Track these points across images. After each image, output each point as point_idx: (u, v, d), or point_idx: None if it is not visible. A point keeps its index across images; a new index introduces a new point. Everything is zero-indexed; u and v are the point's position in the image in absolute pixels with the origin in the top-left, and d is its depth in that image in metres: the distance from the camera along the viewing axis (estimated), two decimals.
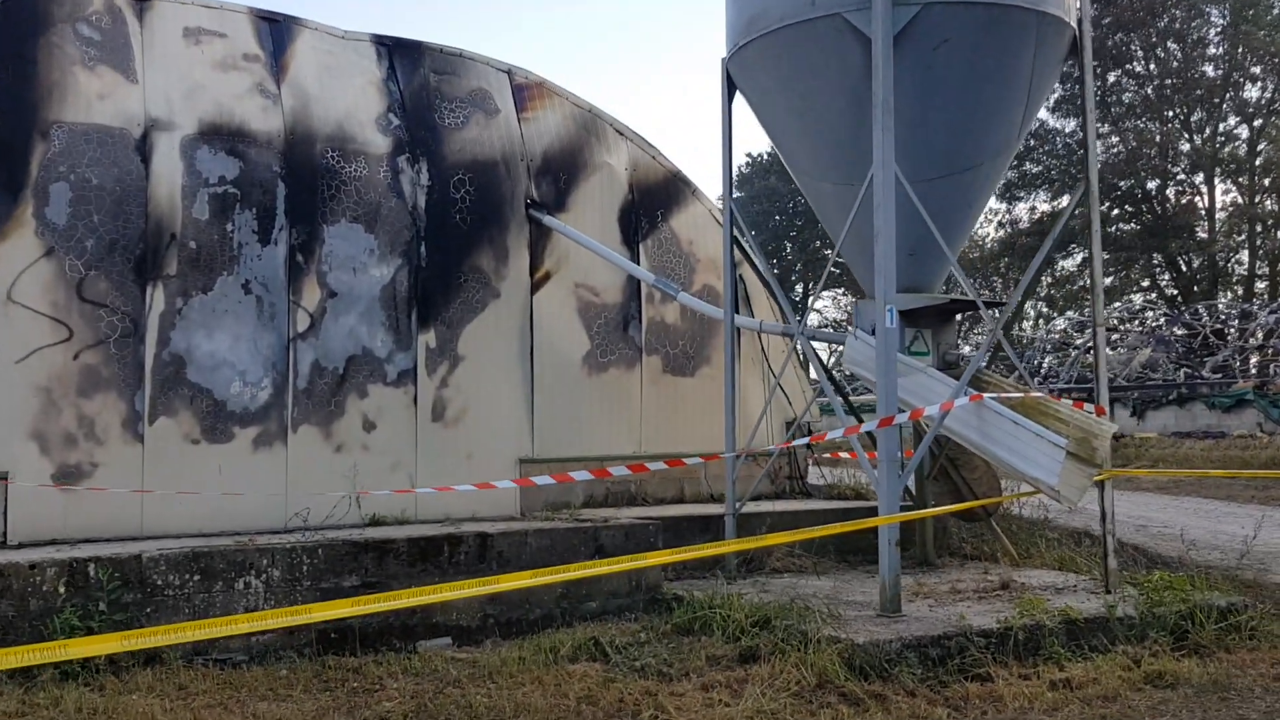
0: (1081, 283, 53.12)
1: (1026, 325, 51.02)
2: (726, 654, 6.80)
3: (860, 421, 8.76)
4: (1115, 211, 51.34)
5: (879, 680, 6.19)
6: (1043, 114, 53.36)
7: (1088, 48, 7.98)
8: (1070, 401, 8.04)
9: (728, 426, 8.75)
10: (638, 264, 10.63)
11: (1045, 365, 36.70)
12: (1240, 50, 46.83)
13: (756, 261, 8.51)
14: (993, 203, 72.72)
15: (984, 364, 8.69)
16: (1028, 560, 9.31)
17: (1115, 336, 33.12)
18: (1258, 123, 48.37)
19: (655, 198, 11.07)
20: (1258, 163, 47.30)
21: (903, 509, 9.09)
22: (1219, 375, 25.41)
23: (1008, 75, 7.61)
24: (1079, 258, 52.78)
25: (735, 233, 9.08)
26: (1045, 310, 50.71)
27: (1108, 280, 51.70)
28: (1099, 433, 7.23)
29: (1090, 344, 33.16)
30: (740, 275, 10.80)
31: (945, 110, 7.58)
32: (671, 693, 6.21)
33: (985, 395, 7.35)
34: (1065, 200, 52.36)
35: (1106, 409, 7.56)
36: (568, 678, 6.47)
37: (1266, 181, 46.78)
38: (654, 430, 10.65)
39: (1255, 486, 18.74)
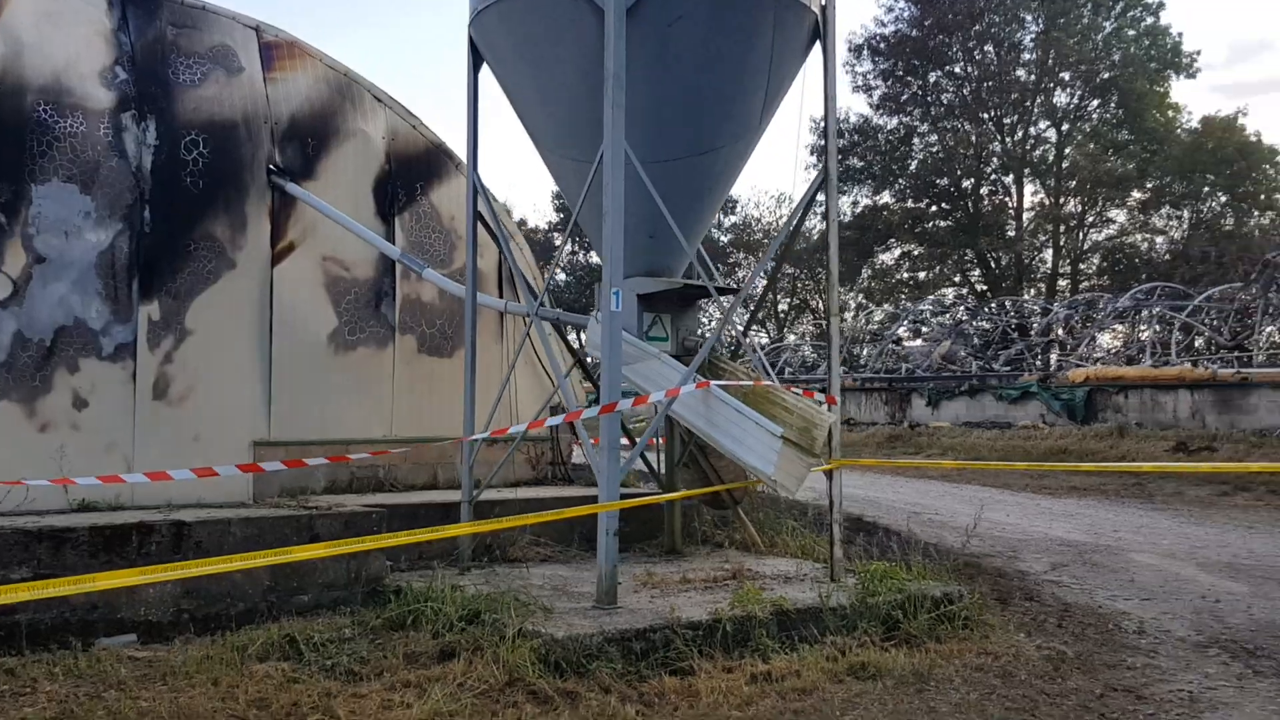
0: (899, 276, 55.13)
1: (848, 316, 52.47)
2: (428, 651, 6.47)
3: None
4: (933, 209, 53.39)
5: (575, 677, 5.97)
6: (865, 110, 55.02)
7: (832, 34, 7.93)
8: (799, 391, 8.01)
9: (466, 409, 8.41)
10: (393, 238, 10.16)
11: (864, 356, 37.82)
12: (1051, 56, 49.20)
13: (499, 237, 8.20)
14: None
15: (762, 358, 8.60)
16: (773, 549, 9.31)
17: (923, 329, 34.24)
18: (1065, 127, 50.98)
19: (415, 169, 10.62)
20: (1064, 165, 49.83)
21: (650, 496, 8.97)
22: (1010, 368, 26.49)
23: (746, 57, 7.48)
24: (897, 252, 54.68)
25: (482, 208, 8.72)
26: (864, 301, 52.16)
27: (921, 275, 53.67)
28: (819, 422, 7.19)
29: (895, 336, 34.35)
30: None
31: (682, 90, 7.41)
32: (353, 694, 5.85)
33: (712, 383, 7.23)
34: (887, 195, 54.14)
35: (837, 398, 7.54)
36: (248, 678, 6.03)
37: (1072, 184, 49.33)
38: (407, 413, 10.22)
39: (1030, 476, 19.58)
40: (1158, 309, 25.96)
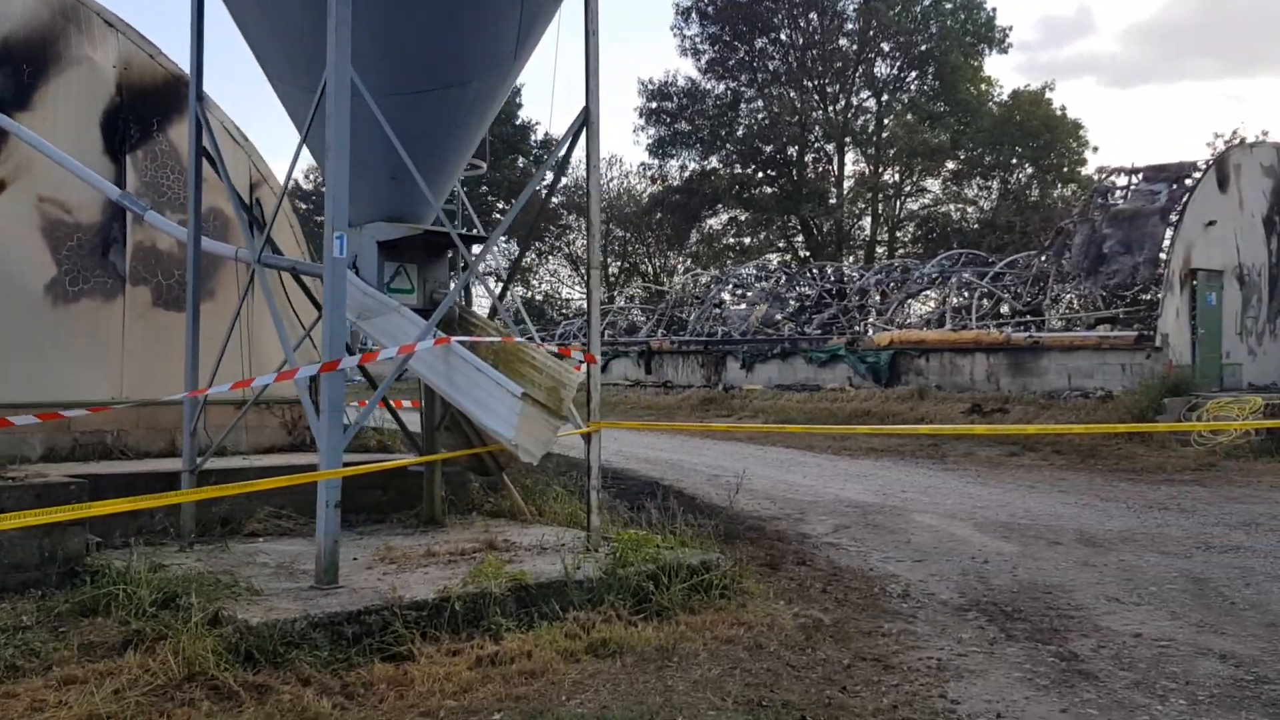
0: (726, 240, 55.52)
1: (676, 279, 52.50)
2: (109, 641, 5.67)
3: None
4: (759, 175, 53.87)
5: (270, 668, 5.27)
6: (694, 74, 54.90)
7: None
8: (556, 347, 7.44)
9: (188, 365, 7.50)
10: (123, 179, 9.10)
11: (692, 318, 37.62)
12: (873, 27, 50.08)
13: (222, 177, 7.30)
14: (644, 158, 74.65)
15: (525, 315, 7.95)
16: (540, 517, 8.76)
17: (745, 294, 34.34)
18: (884, 98, 52.12)
19: (151, 103, 9.54)
20: (883, 135, 50.95)
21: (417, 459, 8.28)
22: (821, 332, 26.73)
23: None
24: (725, 217, 54.97)
25: (208, 143, 7.79)
26: (691, 265, 52.27)
27: (747, 240, 54.16)
28: (568, 383, 6.66)
29: (717, 299, 34.35)
30: (258, 198, 9.53)
31: (424, 11, 6.67)
32: (5, 694, 5.02)
33: (453, 339, 6.58)
34: (715, 160, 54.29)
35: (597, 357, 6.99)
36: None
37: (890, 153, 50.46)
38: (139, 373, 9.22)
39: (831, 438, 19.71)
40: (965, 275, 26.54)
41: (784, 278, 33.62)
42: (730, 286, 36.95)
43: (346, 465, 6.36)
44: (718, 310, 31.99)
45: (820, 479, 14.43)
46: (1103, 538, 10.04)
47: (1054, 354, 20.59)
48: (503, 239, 69.63)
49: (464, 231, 8.08)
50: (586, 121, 7.14)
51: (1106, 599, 7.60)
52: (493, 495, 9.24)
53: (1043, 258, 23.15)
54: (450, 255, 7.62)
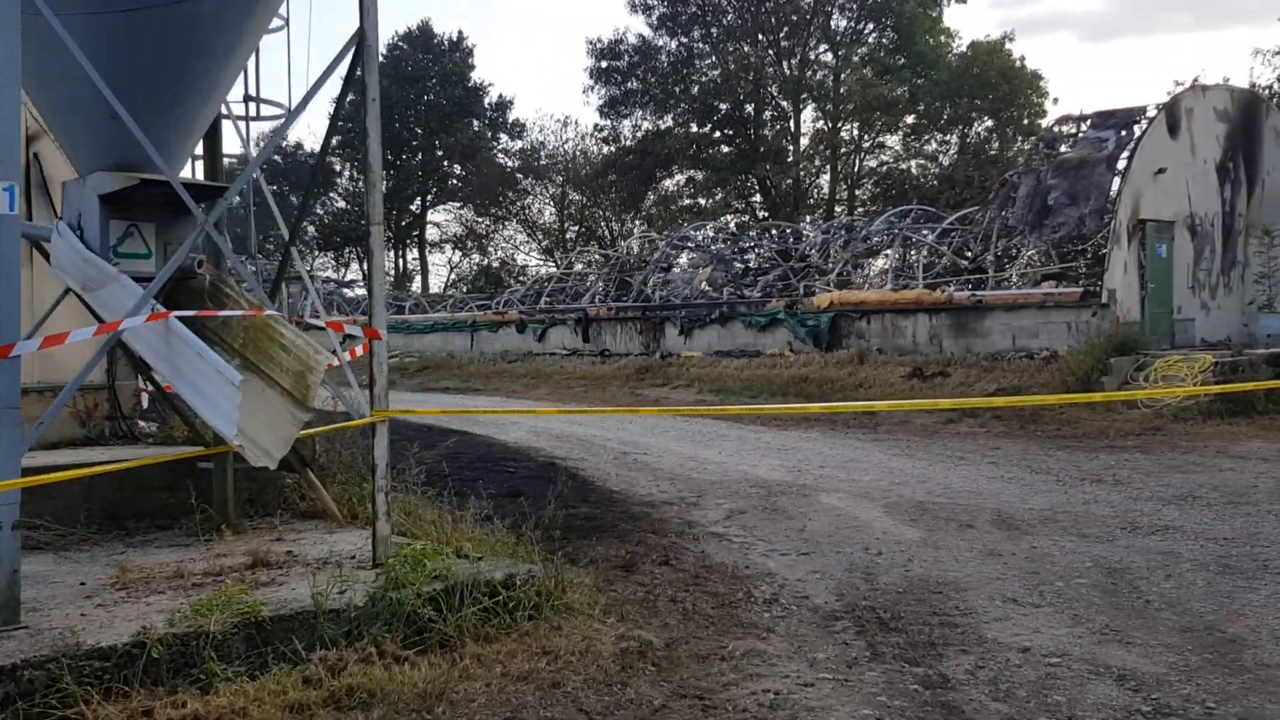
0: (682, 202, 54.29)
1: (626, 242, 51.34)
2: None
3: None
4: (716, 134, 52.55)
5: None
6: (645, 30, 53.45)
7: None
8: (324, 322, 6.29)
9: None
10: None
11: (636, 282, 36.49)
12: None
13: None
14: (596, 119, 73.31)
15: (288, 284, 6.80)
16: (355, 520, 7.61)
17: (689, 256, 33.20)
18: (842, 51, 50.83)
19: None
20: (841, 90, 49.72)
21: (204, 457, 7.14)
22: (762, 295, 25.67)
23: None
24: (680, 178, 53.72)
25: None
26: (646, 229, 50.97)
27: (703, 200, 52.94)
28: (314, 366, 5.51)
29: (666, 262, 33.19)
30: (36, 153, 8.27)
31: None
32: None
33: (172, 314, 5.36)
34: (669, 119, 52.87)
35: (382, 332, 5.84)
36: None
37: (848, 109, 49.25)
38: None
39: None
40: (907, 233, 25.49)
41: (730, 239, 32.45)
42: (677, 249, 35.80)
43: (105, 464, 5.23)
44: (663, 275, 30.86)
45: (736, 455, 13.49)
46: (1021, 518, 9.11)
47: (998, 313, 19.61)
48: (455, 205, 68.15)
49: (193, 180, 6.79)
50: (361, 45, 5.93)
51: (1003, 599, 6.61)
52: (314, 492, 8.09)
53: (987, 212, 22.10)
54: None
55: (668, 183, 54.26)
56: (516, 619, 5.57)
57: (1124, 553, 7.77)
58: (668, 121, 52.35)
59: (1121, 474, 11.44)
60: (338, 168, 74.19)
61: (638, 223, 56.58)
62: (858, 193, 50.91)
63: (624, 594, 6.62)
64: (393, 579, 5.27)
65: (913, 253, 25.89)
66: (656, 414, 13.71)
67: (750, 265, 30.51)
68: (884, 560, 7.70)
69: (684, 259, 34.68)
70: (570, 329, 28.95)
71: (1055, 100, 52.60)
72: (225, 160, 7.76)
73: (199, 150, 7.02)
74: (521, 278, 53.86)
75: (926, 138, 49.51)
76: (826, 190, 51.46)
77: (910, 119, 48.79)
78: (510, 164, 65.52)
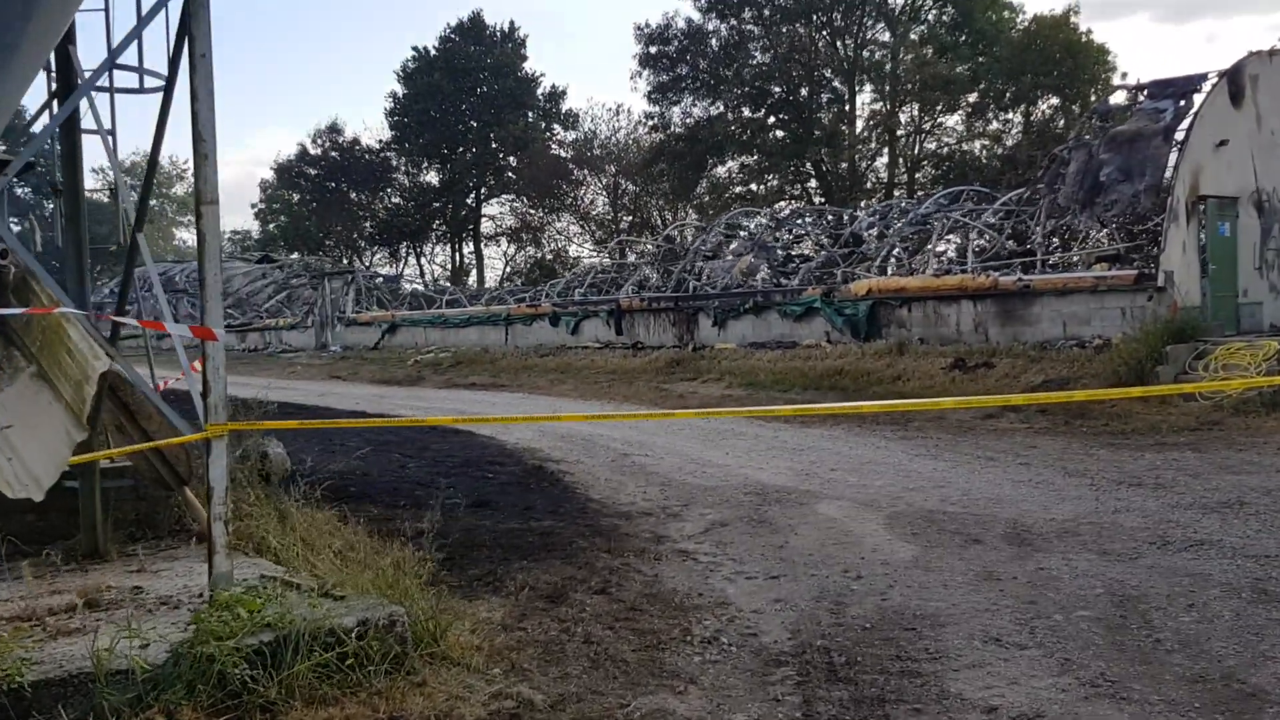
0: (736, 190, 53.11)
1: (688, 233, 50.33)
2: None
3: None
4: (770, 119, 51.26)
5: None
6: (694, 14, 52.25)
7: None
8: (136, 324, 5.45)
9: None
10: None
11: (692, 273, 35.52)
12: None
13: None
14: (644, 105, 72.34)
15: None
16: (244, 543, 6.75)
17: (735, 244, 32.16)
18: (899, 30, 49.20)
19: None
20: (898, 70, 48.17)
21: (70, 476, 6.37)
22: (800, 283, 24.54)
23: None
24: (732, 165, 52.59)
25: None
26: (696, 219, 49.94)
27: (757, 188, 51.74)
28: (90, 375, 4.67)
29: (709, 250, 32.17)
30: None
31: None
32: None
33: None
34: (720, 105, 51.72)
35: (218, 333, 4.97)
36: None
37: (906, 89, 47.67)
38: None
39: (791, 400, 17.72)
40: (958, 216, 24.17)
41: (773, 224, 31.36)
42: (727, 237, 34.74)
43: None
44: (705, 263, 29.90)
45: (744, 456, 12.57)
46: (1037, 531, 8.08)
47: (1047, 299, 18.31)
48: (509, 197, 67.82)
49: None
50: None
51: (985, 639, 5.61)
52: (192, 513, 7.28)
53: (1036, 190, 20.75)
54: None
55: (719, 170, 53.19)
56: (370, 674, 4.68)
57: (1145, 575, 6.70)
58: (718, 107, 51.21)
59: (1165, 476, 10.27)
60: (394, 162, 74.63)
61: (690, 211, 55.60)
62: (917, 176, 49.31)
63: (533, 634, 5.73)
64: (206, 630, 4.41)
65: (963, 236, 24.60)
66: (648, 419, 12.89)
67: (793, 252, 29.38)
68: (861, 586, 6.73)
69: (734, 247, 33.66)
70: (603, 321, 28.14)
71: (1124, 76, 50.38)
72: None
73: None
74: (575, 269, 53.05)
75: (988, 117, 47.70)
76: (884, 174, 49.96)
77: (971, 98, 47.05)
78: (563, 154, 64.94)
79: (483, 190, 71.50)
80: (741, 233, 36.74)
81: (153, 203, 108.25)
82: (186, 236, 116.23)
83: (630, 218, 61.39)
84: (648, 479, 11.12)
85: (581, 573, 7.05)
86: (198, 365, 5.78)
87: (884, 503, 9.41)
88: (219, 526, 4.92)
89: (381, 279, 52.25)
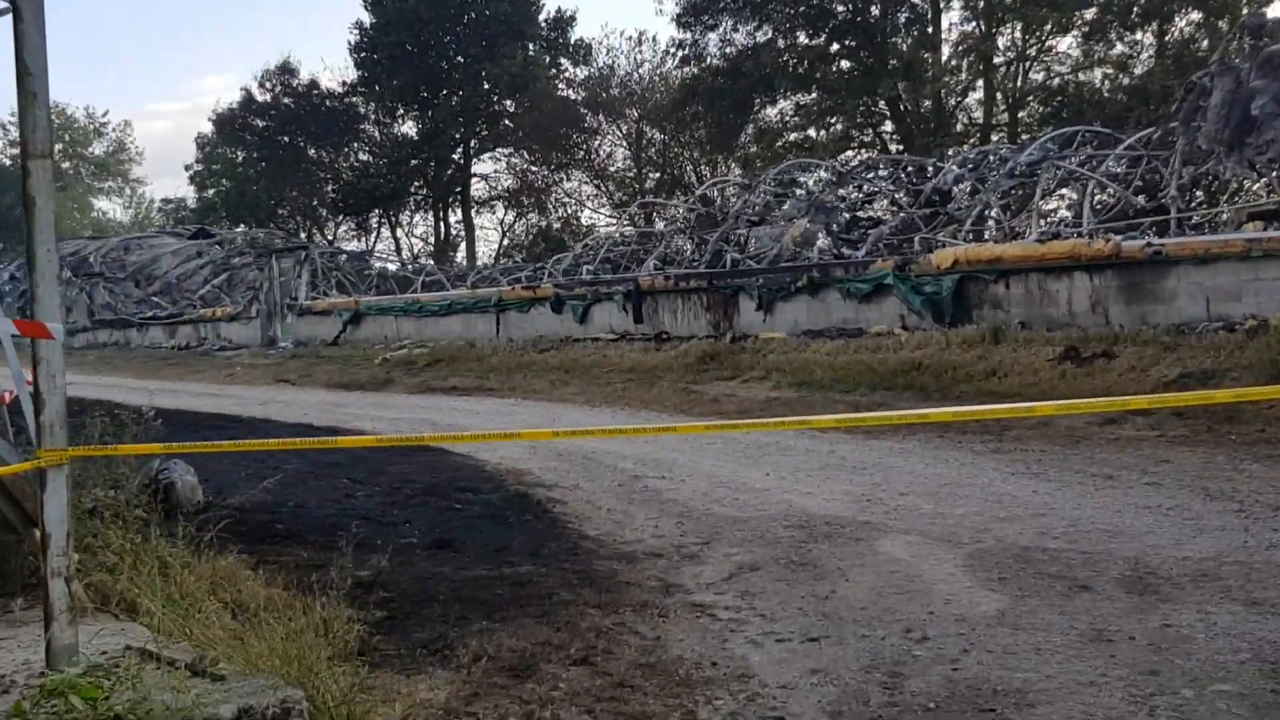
0: (790, 137, 52.77)
1: (729, 193, 50.05)
2: None
3: None
4: (833, 46, 50.85)
5: None
6: None
7: None
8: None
9: None
10: None
11: (749, 243, 35.29)
12: None
13: None
14: (672, 31, 71.62)
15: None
16: (104, 609, 6.48)
17: (785, 206, 31.87)
18: None
19: None
20: None
21: None
22: (867, 255, 24.22)
23: None
24: (785, 105, 52.28)
25: None
26: (739, 174, 49.66)
27: (817, 134, 51.36)
28: None
29: (756, 214, 31.88)
30: None
31: None
32: None
33: None
34: (768, 30, 51.35)
35: (54, 329, 4.63)
36: None
37: (1010, 3, 47.11)
38: None
39: (851, 406, 17.42)
40: (1069, 163, 23.77)
41: (834, 179, 31.05)
42: (779, 196, 34.45)
43: None
44: (747, 231, 29.67)
45: (789, 477, 12.37)
46: (1166, 573, 7.82)
47: (1184, 269, 17.87)
48: (505, 151, 67.83)
49: None
50: None
51: None
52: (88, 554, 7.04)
53: (1170, 129, 20.30)
54: None
55: (769, 112, 52.94)
56: None
57: None
58: (766, 32, 50.79)
59: None
60: (361, 110, 74.71)
61: (731, 165, 55.39)
62: (1020, 115, 48.81)
63: None
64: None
65: (1077, 191, 24.20)
66: (662, 433, 12.58)
67: (861, 214, 29.10)
68: (927, 651, 6.45)
69: (786, 209, 33.37)
70: (618, 306, 27.91)
71: None
72: None
73: None
74: (588, 240, 52.53)
75: (1110, 39, 47.03)
76: (978, 113, 49.50)
77: (1089, 14, 46.37)
78: (573, 96, 64.81)
79: (472, 144, 71.58)
80: (796, 191, 36.47)
81: (65, 165, 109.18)
82: (107, 207, 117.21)
83: (657, 175, 61.26)
84: (662, 508, 10.95)
85: (560, 635, 6.80)
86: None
87: (965, 537, 9.17)
88: (58, 585, 4.67)
89: (345, 256, 52.38)
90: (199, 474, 11.12)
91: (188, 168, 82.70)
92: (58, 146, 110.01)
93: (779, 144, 51.80)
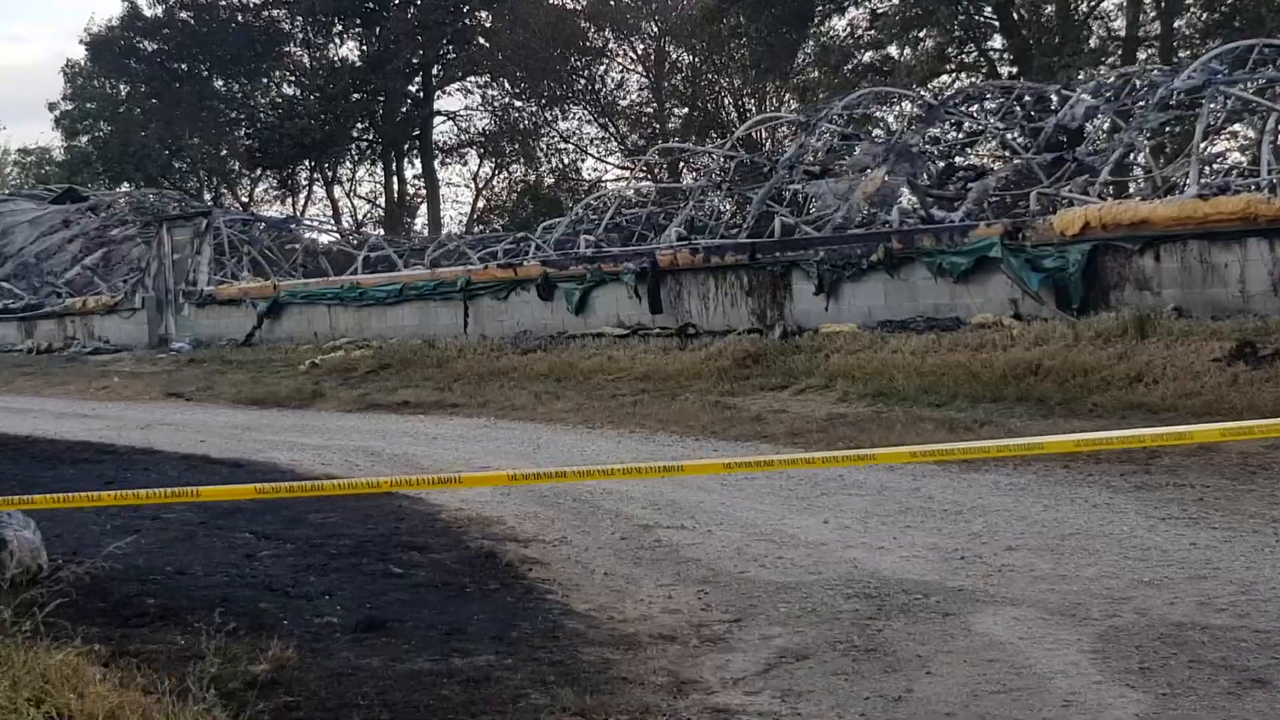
0: (863, 58, 52.94)
1: (780, 135, 50.24)
2: None
3: None
4: None
5: None
6: None
7: None
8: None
9: None
10: None
11: (808, 202, 35.35)
12: None
13: None
14: None
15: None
16: None
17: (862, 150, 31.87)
18: None
19: None
20: None
21: None
22: (967, 219, 24.21)
23: None
24: (857, 13, 52.53)
25: None
26: (795, 108, 49.73)
27: (899, 53, 51.63)
28: None
29: (808, 160, 31.83)
30: None
31: None
32: None
33: None
34: None
35: None
36: None
37: None
38: None
39: (941, 430, 17.37)
40: (1241, 90, 23.65)
41: (923, 114, 31.09)
42: (847, 140, 34.44)
43: None
44: (803, 185, 29.73)
45: (854, 525, 12.45)
46: None
47: None
48: (479, 82, 68.32)
49: None
50: None
51: None
52: None
53: None
54: None
55: (836, 23, 53.31)
56: None
57: None
58: None
59: None
60: (285, 27, 75.10)
61: (786, 97, 55.66)
62: (1177, 24, 48.96)
63: None
64: None
65: (1254, 127, 24.13)
66: (683, 474, 12.53)
67: (958, 162, 29.13)
68: None
69: (856, 156, 33.43)
70: (629, 290, 27.99)
71: None
72: None
73: None
74: (593, 201, 52.27)
75: None
76: (1119, 23, 49.72)
77: None
78: (571, 4, 65.05)
79: (434, 71, 71.97)
80: (871, 131, 36.47)
81: None
82: None
83: (684, 111, 61.50)
84: (679, 571, 10.99)
85: None
86: None
87: (1095, 610, 9.18)
88: None
89: (263, 225, 52.54)
90: (47, 527, 11.10)
91: (52, 107, 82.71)
92: None
93: (848, 67, 52.36)
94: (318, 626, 9.14)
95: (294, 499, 14.56)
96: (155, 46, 74.26)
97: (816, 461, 12.53)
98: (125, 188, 70.64)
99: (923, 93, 38.87)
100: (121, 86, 77.79)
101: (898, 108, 37.97)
